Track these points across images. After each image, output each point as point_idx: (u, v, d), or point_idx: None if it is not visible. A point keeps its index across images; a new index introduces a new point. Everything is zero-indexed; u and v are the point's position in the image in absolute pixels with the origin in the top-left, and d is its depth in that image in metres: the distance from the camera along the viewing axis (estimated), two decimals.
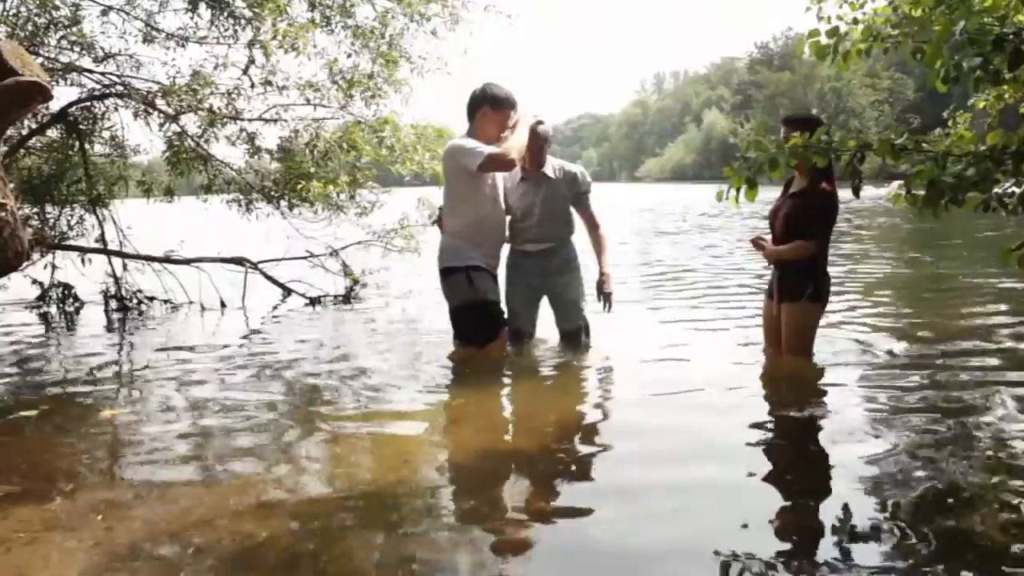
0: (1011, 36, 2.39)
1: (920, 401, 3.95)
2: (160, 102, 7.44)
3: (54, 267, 7.96)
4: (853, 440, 3.42)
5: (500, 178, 5.00)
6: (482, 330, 4.87)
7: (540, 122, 4.90)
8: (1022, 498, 2.77)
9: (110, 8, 7.33)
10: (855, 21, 4.26)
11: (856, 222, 18.59)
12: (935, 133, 3.41)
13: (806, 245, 4.37)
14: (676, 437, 3.57)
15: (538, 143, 4.91)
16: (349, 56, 7.66)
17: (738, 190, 2.79)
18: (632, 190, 64.17)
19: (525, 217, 5.01)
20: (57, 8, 7.15)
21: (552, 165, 5.06)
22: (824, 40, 3.45)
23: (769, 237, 4.68)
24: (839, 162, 2.74)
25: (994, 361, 4.74)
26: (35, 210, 7.70)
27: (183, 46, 7.49)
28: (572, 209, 5.14)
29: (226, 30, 7.25)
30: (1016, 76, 2.79)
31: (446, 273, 4.88)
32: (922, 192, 2.65)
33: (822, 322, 4.66)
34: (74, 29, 7.26)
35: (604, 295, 5.12)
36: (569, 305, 5.14)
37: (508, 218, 5.08)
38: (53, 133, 8.04)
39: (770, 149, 2.75)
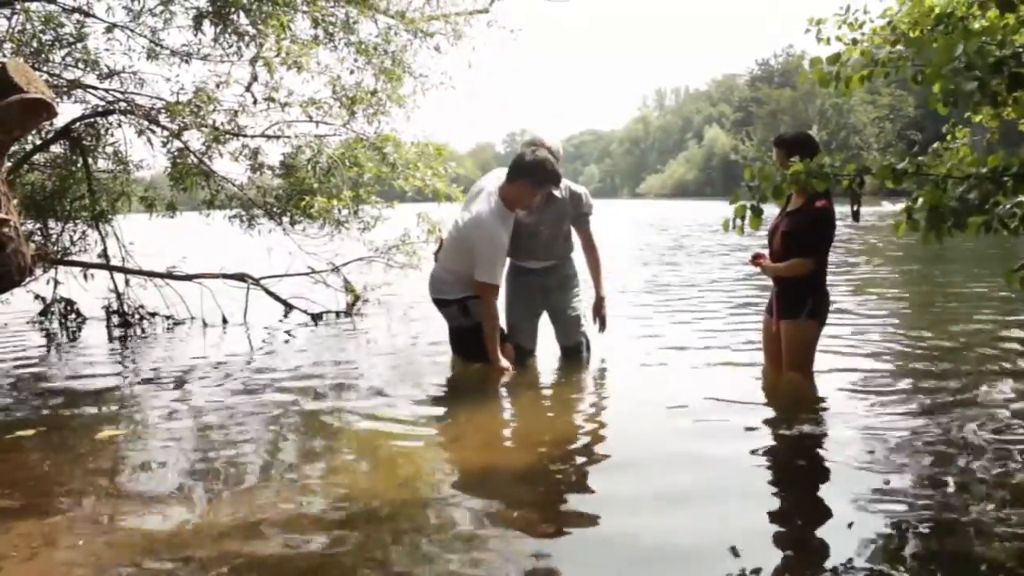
0: (1010, 59, 2.41)
1: (922, 418, 3.94)
2: (163, 119, 7.47)
3: (56, 283, 7.97)
4: (853, 457, 3.41)
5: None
6: (482, 350, 4.88)
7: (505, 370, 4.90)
8: (1021, 516, 2.77)
9: (115, 25, 7.36)
10: (854, 42, 4.29)
11: (859, 237, 18.59)
12: (933, 148, 3.42)
13: (804, 262, 4.38)
14: (676, 453, 3.57)
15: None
16: (352, 72, 7.71)
17: (743, 218, 2.81)
18: (636, 206, 64.23)
19: (532, 236, 5.02)
20: (62, 25, 7.19)
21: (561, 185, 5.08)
22: (826, 67, 3.47)
23: (767, 253, 4.69)
24: (839, 185, 2.76)
25: (997, 377, 4.73)
26: (38, 226, 7.72)
27: (187, 63, 7.52)
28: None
29: (230, 47, 7.28)
30: (1016, 99, 2.81)
31: (439, 304, 4.91)
32: (925, 214, 2.66)
33: (822, 338, 4.66)
34: (79, 46, 7.29)
35: (600, 317, 5.15)
36: (570, 321, 5.15)
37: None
38: (56, 149, 8.07)
39: (774, 175, 2.76)
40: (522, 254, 5.10)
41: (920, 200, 2.53)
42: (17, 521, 2.91)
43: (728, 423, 3.97)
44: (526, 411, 4.48)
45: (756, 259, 4.67)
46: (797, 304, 4.46)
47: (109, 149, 8.06)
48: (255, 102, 7.49)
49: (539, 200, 4.85)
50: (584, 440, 3.92)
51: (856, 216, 2.85)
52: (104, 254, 8.00)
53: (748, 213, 2.78)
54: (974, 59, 2.39)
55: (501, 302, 5.03)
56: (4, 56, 6.55)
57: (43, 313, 8.02)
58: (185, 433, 4.04)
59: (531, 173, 4.80)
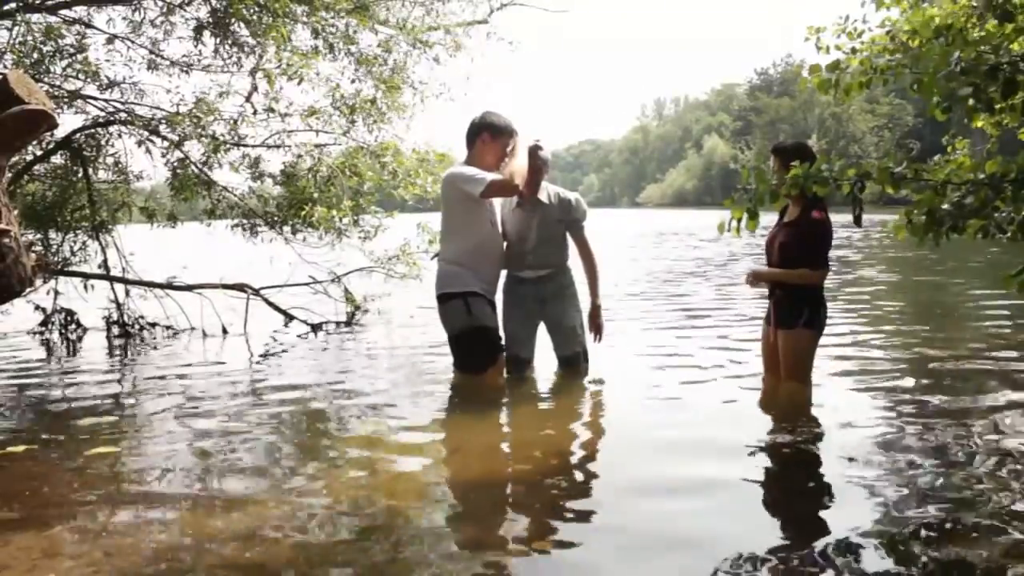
0: (1004, 65, 2.42)
1: (921, 427, 3.93)
2: (164, 129, 7.49)
3: (57, 293, 7.98)
4: (852, 467, 3.40)
5: (497, 204, 5.03)
6: (479, 356, 4.87)
7: (539, 146, 4.91)
8: (1021, 522, 2.77)
9: (115, 36, 7.39)
10: (853, 51, 4.30)
11: (857, 244, 18.59)
12: (934, 160, 3.43)
13: (812, 273, 4.39)
14: (675, 463, 3.55)
15: (535, 167, 4.92)
16: (352, 82, 7.74)
17: (739, 221, 2.81)
18: (637, 216, 64.28)
19: (521, 243, 5.03)
20: (63, 36, 7.22)
21: (548, 191, 5.07)
22: (825, 74, 3.48)
23: (765, 264, 4.70)
24: (839, 191, 2.76)
25: (997, 383, 4.73)
26: (39, 236, 7.73)
27: (187, 73, 7.55)
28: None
29: (230, 57, 7.32)
30: (1011, 104, 2.82)
31: (443, 299, 4.88)
32: (923, 219, 2.66)
33: (821, 347, 4.65)
34: (79, 57, 7.32)
35: (595, 326, 5.14)
36: (567, 331, 5.14)
37: (504, 244, 5.09)
38: (57, 159, 8.10)
39: (771, 179, 2.77)
40: (515, 263, 5.09)
41: (919, 204, 2.53)
42: (17, 533, 2.89)
43: (726, 434, 3.95)
44: (524, 422, 4.47)
45: (754, 275, 4.66)
46: (794, 313, 4.46)
47: (109, 159, 8.10)
48: (255, 112, 7.52)
49: (509, 153, 4.88)
50: (581, 452, 3.91)
51: (858, 221, 2.85)
52: (104, 264, 8.01)
53: (745, 216, 2.79)
54: (970, 65, 2.40)
55: (498, 312, 5.02)
56: (5, 67, 6.58)
57: (43, 324, 8.02)
58: (184, 443, 4.03)
59: (483, 127, 4.88)
